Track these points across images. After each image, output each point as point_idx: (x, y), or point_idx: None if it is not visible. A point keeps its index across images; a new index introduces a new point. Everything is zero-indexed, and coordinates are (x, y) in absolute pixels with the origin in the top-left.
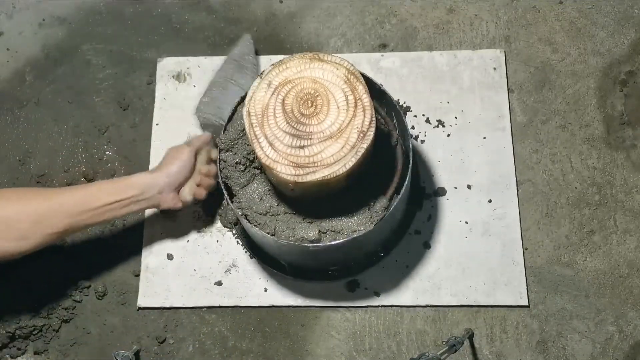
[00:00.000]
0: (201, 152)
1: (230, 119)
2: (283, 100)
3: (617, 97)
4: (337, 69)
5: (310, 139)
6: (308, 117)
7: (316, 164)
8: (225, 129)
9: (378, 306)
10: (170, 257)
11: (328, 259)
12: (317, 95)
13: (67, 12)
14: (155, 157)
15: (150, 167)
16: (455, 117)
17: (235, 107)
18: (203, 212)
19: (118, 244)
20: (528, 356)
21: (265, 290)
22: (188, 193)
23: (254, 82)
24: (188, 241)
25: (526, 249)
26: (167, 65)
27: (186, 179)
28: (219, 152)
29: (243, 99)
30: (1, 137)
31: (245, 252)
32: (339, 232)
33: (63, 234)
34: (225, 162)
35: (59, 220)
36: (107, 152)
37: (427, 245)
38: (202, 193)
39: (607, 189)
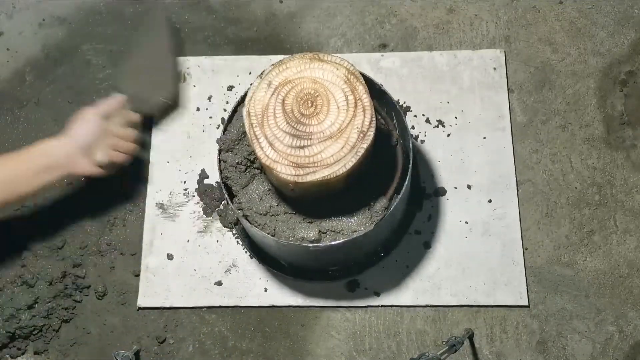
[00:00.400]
0: (115, 115)
1: (230, 119)
2: (283, 101)
3: (617, 97)
4: (337, 69)
5: (310, 139)
6: (308, 117)
7: (316, 164)
8: (225, 130)
9: (378, 306)
10: (170, 257)
11: (328, 259)
12: (317, 96)
13: (67, 12)
14: (155, 157)
15: (151, 169)
16: (455, 117)
17: (235, 107)
18: (203, 212)
19: (118, 244)
20: (528, 356)
21: (265, 290)
22: (101, 155)
23: (255, 82)
24: (188, 241)
25: (526, 249)
26: None
27: (95, 142)
28: (219, 152)
29: (243, 98)
30: (1, 137)
31: (245, 252)
32: (339, 232)
33: None
34: (225, 162)
35: None
36: None
37: (427, 245)
38: (120, 156)
39: (607, 189)
